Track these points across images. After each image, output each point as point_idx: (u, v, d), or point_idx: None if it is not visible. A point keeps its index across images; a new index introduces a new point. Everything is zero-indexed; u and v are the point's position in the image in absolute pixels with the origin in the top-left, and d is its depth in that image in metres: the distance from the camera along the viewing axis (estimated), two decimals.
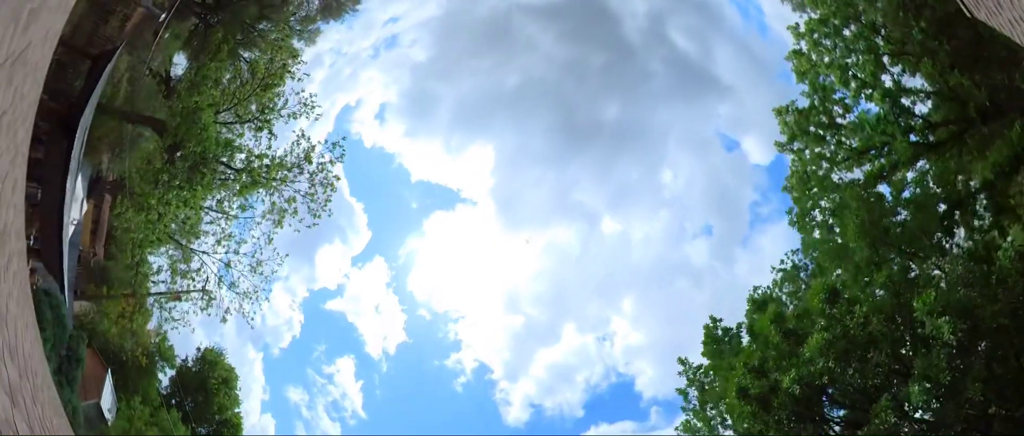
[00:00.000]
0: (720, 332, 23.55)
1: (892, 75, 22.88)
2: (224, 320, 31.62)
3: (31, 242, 21.28)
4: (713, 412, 22.88)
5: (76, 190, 24.12)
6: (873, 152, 23.02)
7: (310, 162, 31.34)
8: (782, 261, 25.65)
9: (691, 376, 23.77)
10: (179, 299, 31.12)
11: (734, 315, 25.67)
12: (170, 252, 31.54)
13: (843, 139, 24.15)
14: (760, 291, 24.06)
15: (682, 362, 24.14)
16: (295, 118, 31.71)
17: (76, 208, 25.12)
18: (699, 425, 23.48)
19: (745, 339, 22.20)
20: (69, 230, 23.28)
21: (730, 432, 22.57)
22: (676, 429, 24.55)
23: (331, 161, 31.60)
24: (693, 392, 23.61)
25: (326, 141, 31.93)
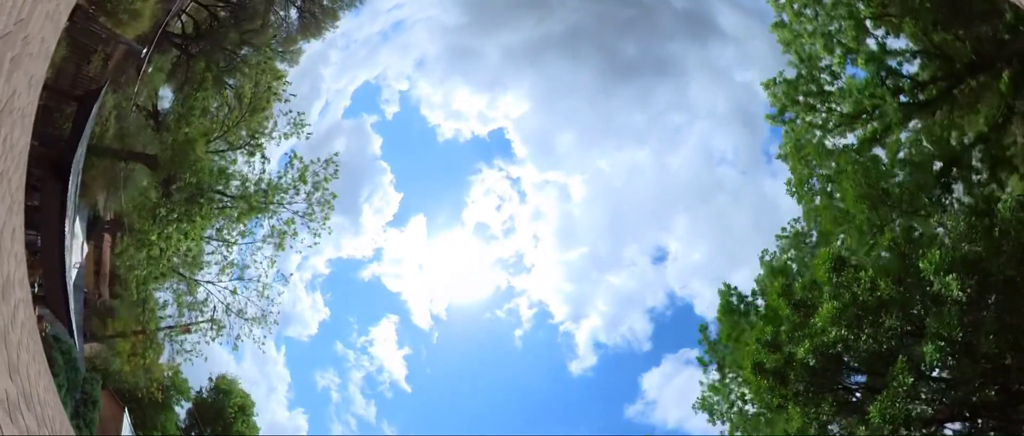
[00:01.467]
0: (735, 299, 23.55)
1: (876, 38, 22.91)
2: (235, 348, 31.65)
3: (36, 289, 21.28)
4: (733, 386, 22.91)
5: (75, 233, 24.12)
6: (864, 116, 23.04)
7: (305, 182, 31.36)
8: (784, 229, 25.69)
9: (709, 348, 23.80)
10: (189, 331, 31.13)
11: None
12: (175, 285, 31.56)
13: (833, 106, 24.17)
14: (769, 255, 24.09)
15: (702, 330, 24.18)
16: (287, 138, 31.75)
17: (77, 251, 25.11)
18: (718, 399, 23.51)
19: (760, 304, 22.15)
20: (72, 274, 23.28)
21: (750, 407, 22.61)
22: (693, 407, 24.57)
23: (326, 179, 31.61)
24: (712, 366, 23.64)
25: (319, 158, 31.91)
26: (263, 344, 32.20)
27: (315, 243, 32.23)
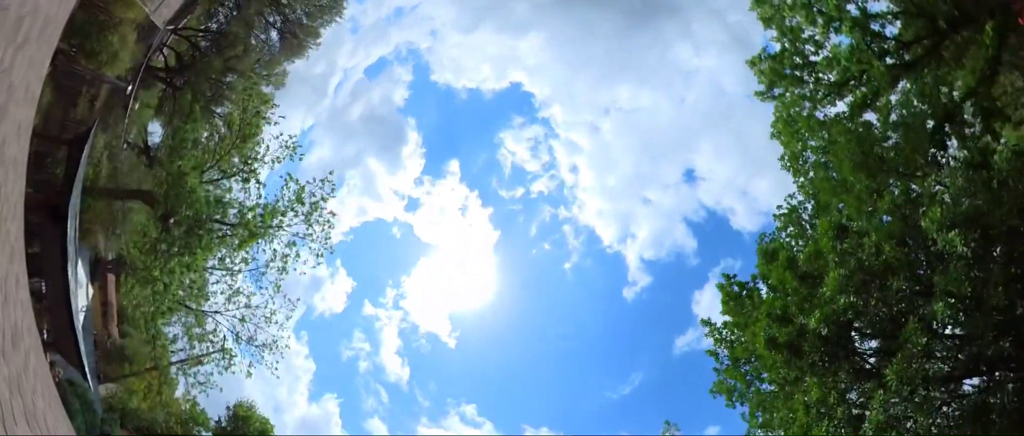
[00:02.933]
0: (736, 288, 23.52)
1: (856, 3, 22.89)
2: (249, 375, 31.63)
3: (45, 336, 21.27)
4: (747, 368, 22.86)
5: (79, 276, 24.11)
6: (852, 83, 23.01)
7: (302, 203, 31.33)
8: (779, 207, 25.69)
9: (718, 336, 23.75)
10: (201, 363, 31.15)
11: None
12: (183, 318, 31.57)
13: (821, 76, 24.13)
14: (767, 240, 24.04)
15: (706, 323, 24.10)
16: (280, 162, 31.75)
17: (82, 294, 25.10)
18: (734, 383, 23.46)
19: (762, 289, 22.16)
20: (80, 317, 23.27)
21: (766, 385, 22.58)
22: (710, 392, 24.54)
23: (323, 197, 31.60)
24: (723, 352, 23.58)
25: (315, 178, 31.92)
26: (276, 369, 32.20)
27: (318, 263, 32.25)
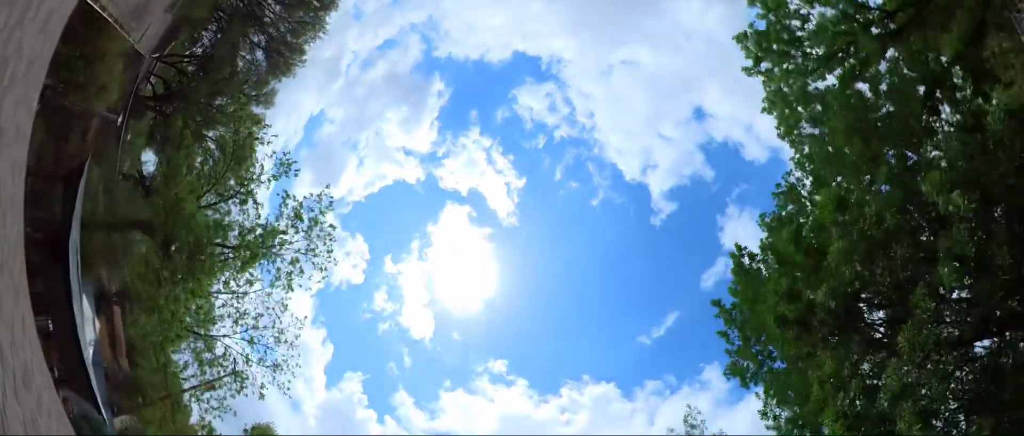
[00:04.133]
0: (746, 260, 23.54)
1: None
2: (261, 397, 31.63)
3: (56, 373, 21.25)
4: (757, 347, 22.90)
5: (85, 311, 24.10)
6: (841, 55, 23.03)
7: (301, 219, 31.31)
8: (778, 185, 25.73)
9: (728, 318, 23.79)
10: (213, 388, 31.12)
11: None
12: (192, 344, 31.55)
13: (808, 49, 24.15)
14: (769, 216, 24.09)
15: (716, 304, 24.15)
16: (276, 180, 31.74)
17: (89, 328, 25.09)
18: (746, 363, 23.48)
19: (771, 261, 22.15)
20: (89, 351, 23.26)
21: (778, 364, 22.61)
22: (724, 373, 24.59)
23: (322, 212, 31.57)
24: (734, 332, 23.61)
25: (311, 194, 31.89)
26: (287, 389, 32.19)
27: (323, 278, 32.26)
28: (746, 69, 25.30)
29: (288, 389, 32.07)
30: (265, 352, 31.82)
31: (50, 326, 21.58)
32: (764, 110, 25.62)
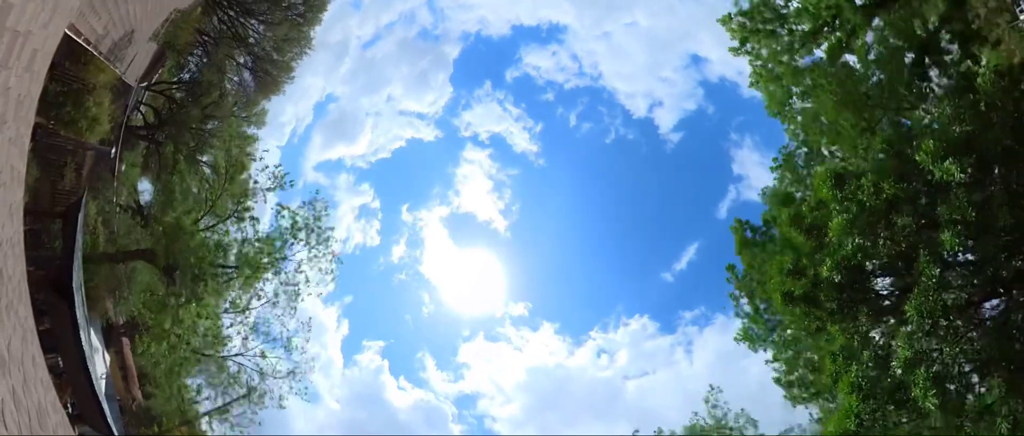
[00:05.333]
0: (749, 233, 23.65)
1: None
2: (282, 406, 31.73)
3: (70, 410, 21.27)
4: (768, 315, 23.03)
5: (93, 345, 24.10)
6: (826, 29, 23.01)
7: (300, 228, 31.30)
8: (775, 159, 25.83)
9: (738, 285, 23.90)
10: (230, 409, 31.17)
11: None
12: (204, 367, 31.56)
13: (793, 26, 24.14)
14: (769, 191, 24.17)
15: (730, 269, 24.25)
16: (272, 191, 31.72)
17: (99, 362, 25.10)
18: (758, 330, 23.60)
19: (775, 233, 22.22)
20: (101, 384, 23.27)
21: (789, 331, 22.70)
22: (735, 339, 24.66)
23: (318, 218, 31.51)
24: (744, 300, 23.74)
25: (304, 202, 31.81)
26: (306, 393, 32.33)
27: (329, 286, 32.29)
28: (733, 49, 25.30)
29: (305, 393, 32.17)
30: (278, 363, 31.90)
31: (60, 363, 21.59)
32: (752, 85, 25.64)
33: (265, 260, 30.26)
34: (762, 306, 23.20)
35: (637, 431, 29.49)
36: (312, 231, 31.01)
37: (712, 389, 28.10)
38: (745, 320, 24.03)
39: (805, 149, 25.16)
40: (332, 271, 31.69)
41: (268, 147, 34.02)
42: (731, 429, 27.68)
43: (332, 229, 31.82)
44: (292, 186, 32.51)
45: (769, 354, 23.86)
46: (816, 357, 21.96)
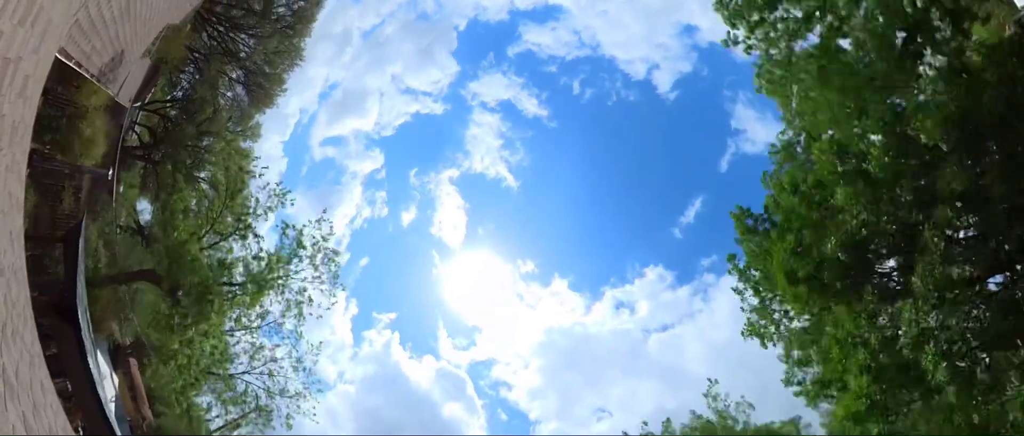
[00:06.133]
0: (751, 222, 23.57)
1: None
2: (288, 426, 31.66)
3: (81, 433, 21.24)
4: (774, 307, 22.93)
5: (101, 367, 24.09)
6: (818, 14, 23.05)
7: (304, 246, 31.24)
8: (773, 146, 25.82)
9: (741, 276, 23.80)
10: (239, 426, 31.14)
11: None
12: (213, 386, 31.55)
13: (785, 13, 24.19)
14: (771, 176, 24.15)
15: (731, 260, 24.19)
16: (273, 210, 31.67)
17: (108, 384, 25.08)
18: (764, 322, 23.50)
19: (776, 219, 22.16)
20: (110, 407, 23.25)
21: (796, 322, 22.63)
22: (742, 334, 24.57)
23: (324, 237, 31.51)
24: (748, 292, 23.65)
25: (310, 221, 31.81)
26: (314, 415, 32.25)
27: (333, 303, 32.23)
28: (724, 41, 25.35)
29: (314, 415, 32.10)
30: (286, 382, 31.87)
31: (68, 388, 21.56)
32: (757, 90, 25.62)
33: (270, 275, 30.21)
34: (768, 298, 23.09)
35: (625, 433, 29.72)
36: (318, 249, 30.96)
37: (711, 382, 28.04)
38: (751, 315, 23.88)
39: (802, 133, 25.15)
40: (335, 293, 31.66)
41: (272, 144, 34.18)
42: (734, 420, 27.61)
43: (338, 252, 31.83)
44: (293, 205, 32.54)
45: (780, 349, 23.70)
46: (824, 344, 21.89)
